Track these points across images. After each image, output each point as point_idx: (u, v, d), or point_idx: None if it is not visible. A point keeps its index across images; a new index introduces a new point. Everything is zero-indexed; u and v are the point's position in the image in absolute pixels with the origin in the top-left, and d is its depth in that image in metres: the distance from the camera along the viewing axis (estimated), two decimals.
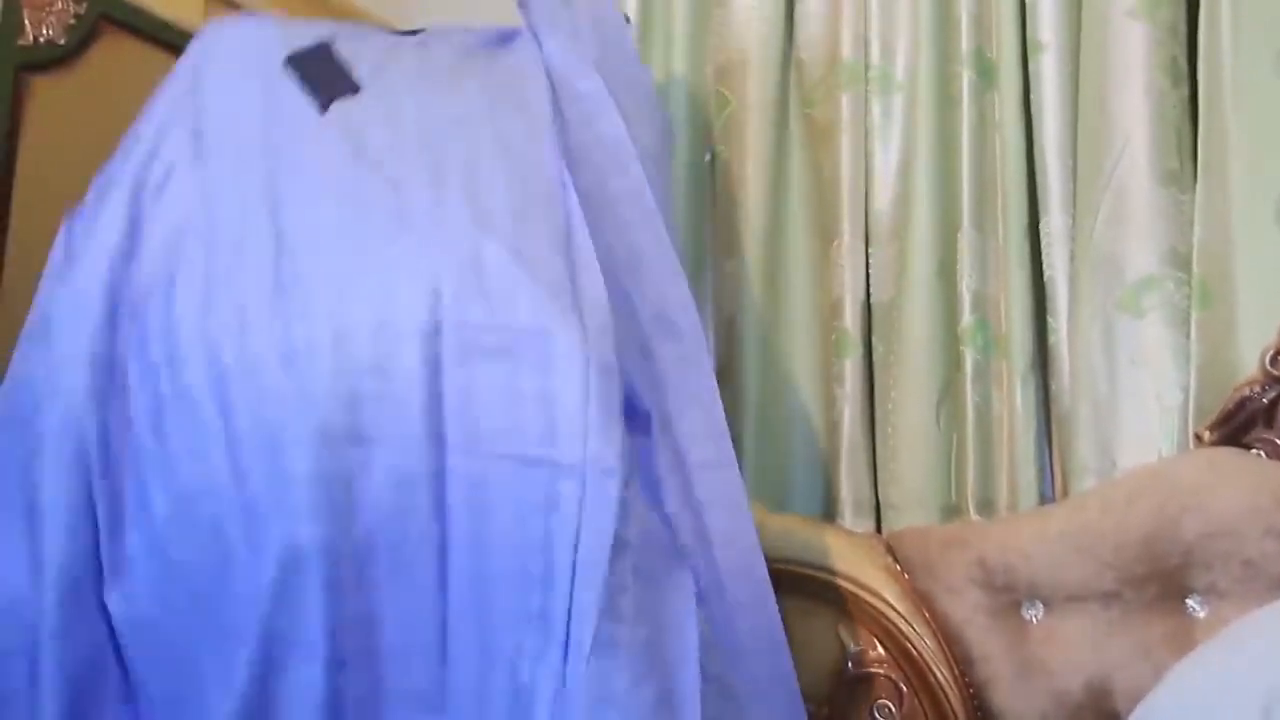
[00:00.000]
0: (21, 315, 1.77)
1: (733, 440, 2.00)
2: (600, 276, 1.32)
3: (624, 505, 1.23)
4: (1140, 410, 1.78)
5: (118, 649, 1.31)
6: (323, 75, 1.43)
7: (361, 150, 1.37)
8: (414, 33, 1.54)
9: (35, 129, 1.82)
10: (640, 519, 1.25)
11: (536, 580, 1.23)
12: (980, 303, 1.96)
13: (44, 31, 1.83)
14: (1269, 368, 1.68)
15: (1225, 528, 1.61)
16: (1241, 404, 1.67)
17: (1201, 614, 1.64)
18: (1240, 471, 1.63)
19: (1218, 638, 1.47)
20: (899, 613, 1.76)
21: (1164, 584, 1.66)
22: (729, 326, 2.09)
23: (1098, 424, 1.80)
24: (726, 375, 2.07)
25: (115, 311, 1.36)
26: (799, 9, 2.16)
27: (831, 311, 2.05)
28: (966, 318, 1.96)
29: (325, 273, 1.30)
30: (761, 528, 1.86)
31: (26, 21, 1.82)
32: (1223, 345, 1.74)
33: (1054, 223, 1.90)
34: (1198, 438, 1.71)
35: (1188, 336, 1.77)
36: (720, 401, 1.45)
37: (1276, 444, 1.67)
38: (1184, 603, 1.66)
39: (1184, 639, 1.63)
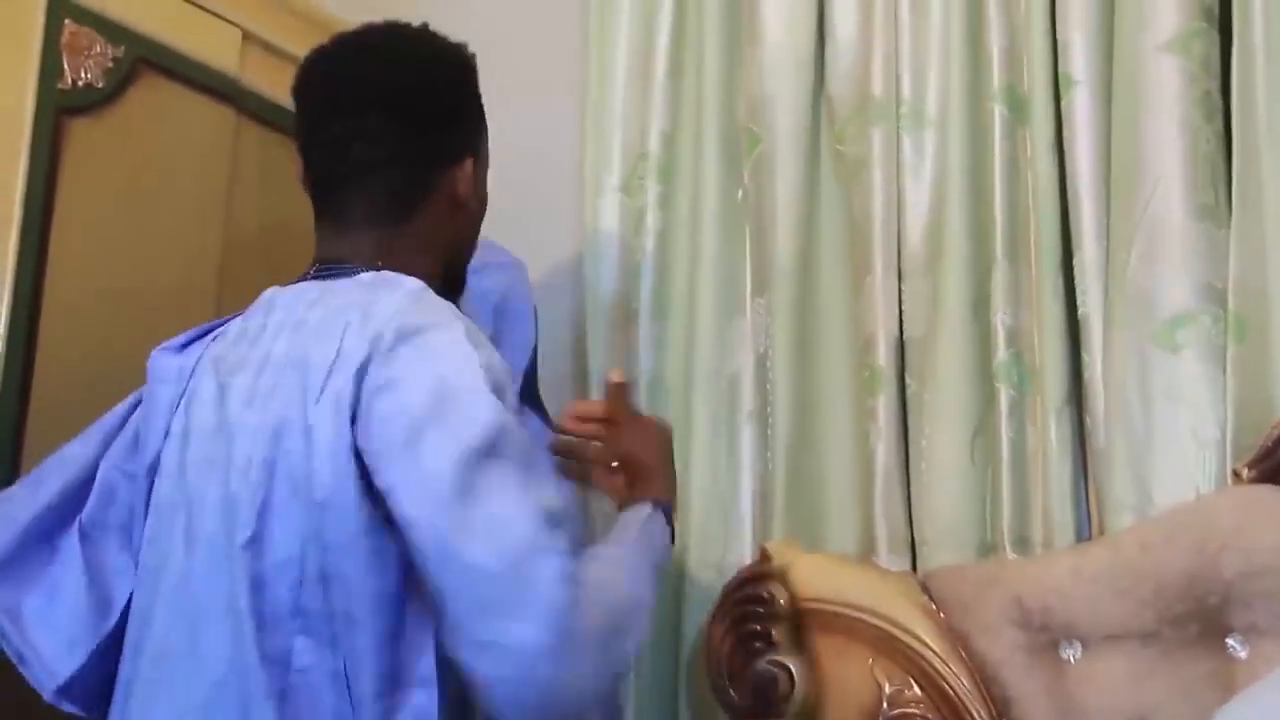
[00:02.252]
0: (61, 353, 1.79)
1: (765, 477, 2.03)
2: None
3: None
4: (1177, 447, 1.76)
5: None
6: None
7: None
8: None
9: (74, 171, 1.84)
10: None
11: None
12: (1014, 338, 1.95)
13: (83, 75, 1.86)
14: None
15: (1265, 566, 1.60)
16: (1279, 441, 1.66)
17: (1243, 654, 1.62)
18: (1279, 510, 1.62)
19: (1265, 680, 1.45)
20: (935, 652, 1.75)
21: (1204, 623, 1.64)
22: (762, 363, 2.08)
23: (1134, 460, 1.79)
24: (760, 414, 2.07)
25: None
26: (829, 46, 2.16)
27: (864, 347, 2.05)
28: (1000, 353, 1.95)
29: None
30: (795, 565, 1.86)
31: (66, 66, 1.84)
32: (1260, 381, 1.73)
33: (1087, 257, 1.89)
34: (1235, 475, 1.70)
35: (1224, 372, 1.75)
36: None
37: None
38: (1224, 642, 1.64)
39: (1225, 679, 1.61)
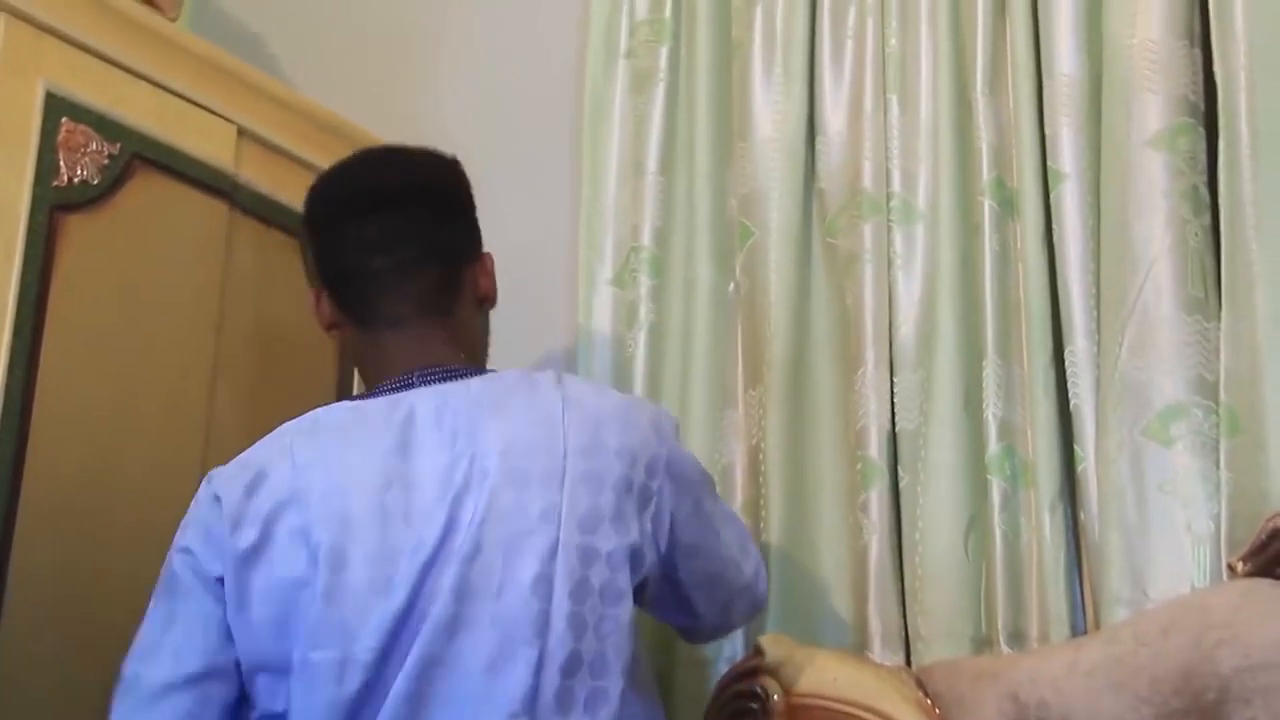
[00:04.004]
0: (53, 450, 1.79)
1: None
2: None
3: None
4: (1171, 540, 1.76)
5: None
6: None
7: None
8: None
9: (68, 267, 1.85)
10: None
11: None
12: (1006, 431, 1.95)
13: (78, 172, 1.87)
14: None
15: (1263, 661, 1.58)
16: (1274, 535, 1.65)
17: None
18: (1276, 604, 1.61)
19: None
20: None
21: (1202, 718, 1.62)
22: (754, 456, 2.08)
23: (1128, 554, 1.78)
24: (752, 506, 2.06)
25: None
26: (819, 140, 2.19)
27: (856, 440, 2.05)
28: (993, 446, 1.95)
29: None
30: (789, 660, 1.85)
31: (61, 163, 1.85)
32: (1253, 474, 1.73)
33: (1079, 351, 1.89)
34: (1230, 568, 1.69)
35: (1217, 465, 1.75)
36: None
37: None
38: None
39: None
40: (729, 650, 2.02)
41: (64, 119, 1.86)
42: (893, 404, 2.04)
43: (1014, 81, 2.04)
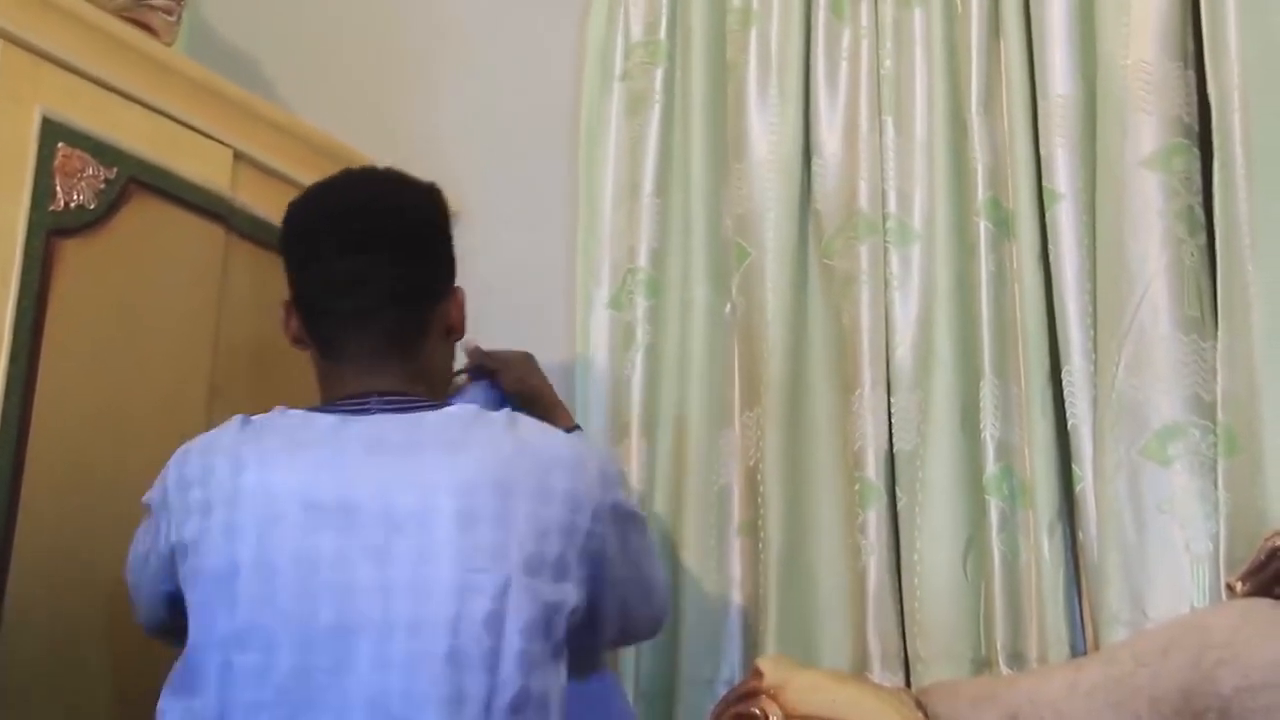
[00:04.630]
0: (49, 474, 1.78)
1: (757, 592, 2.02)
2: None
3: None
4: (1170, 560, 1.76)
5: None
6: None
7: None
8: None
9: (64, 291, 1.84)
10: None
11: None
12: (1004, 451, 1.96)
13: (75, 197, 1.86)
14: None
15: (1263, 681, 1.58)
16: (1272, 554, 1.65)
17: None
18: (1275, 623, 1.61)
19: None
20: None
21: None
22: (752, 477, 2.08)
23: (1127, 574, 1.79)
24: (750, 527, 2.06)
25: None
26: (815, 161, 2.19)
27: (854, 461, 2.05)
28: (991, 467, 1.95)
29: None
30: (788, 681, 1.85)
31: (58, 187, 1.85)
32: (1251, 494, 1.73)
33: (1076, 370, 1.90)
34: (1229, 588, 1.69)
35: (1215, 485, 1.76)
36: None
37: None
38: None
39: None
40: (728, 671, 2.02)
41: (60, 144, 1.86)
42: (890, 424, 2.05)
43: (1009, 102, 2.05)
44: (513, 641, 1.43)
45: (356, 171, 1.72)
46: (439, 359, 1.70)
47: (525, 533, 1.47)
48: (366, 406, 1.56)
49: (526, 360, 1.95)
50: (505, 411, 1.59)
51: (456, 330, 1.70)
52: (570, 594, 1.50)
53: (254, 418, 1.58)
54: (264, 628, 1.43)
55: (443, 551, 1.44)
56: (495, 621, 1.43)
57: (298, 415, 1.57)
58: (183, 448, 1.58)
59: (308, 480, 1.48)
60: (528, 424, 1.59)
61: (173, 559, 1.52)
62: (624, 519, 1.60)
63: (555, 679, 1.48)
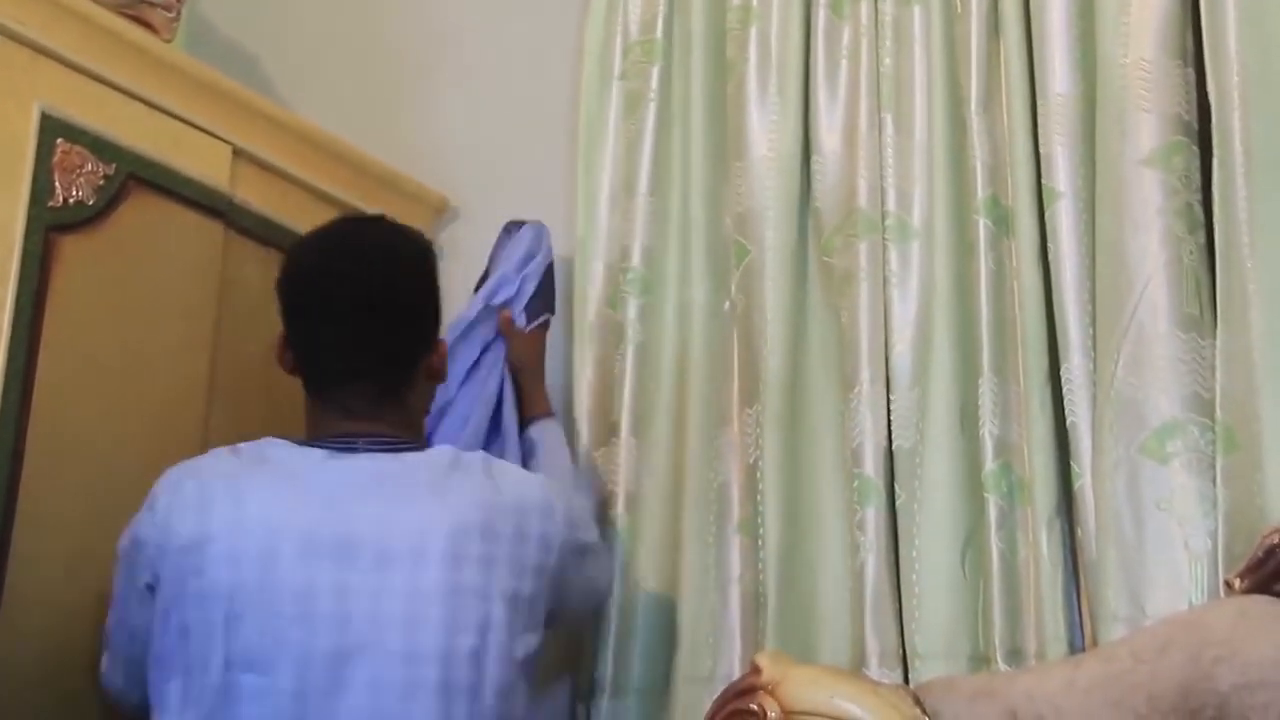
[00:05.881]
0: (48, 471, 1.78)
1: (755, 589, 2.02)
2: None
3: None
4: (1168, 557, 1.76)
5: None
6: None
7: None
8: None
9: (63, 287, 1.84)
10: None
11: None
12: (1003, 449, 1.95)
13: (74, 193, 1.86)
14: None
15: (1261, 679, 1.58)
16: (1270, 551, 1.65)
17: None
18: (1273, 620, 1.61)
19: None
20: None
21: None
22: (750, 475, 2.08)
23: (1126, 571, 1.79)
24: (749, 524, 2.06)
25: None
26: (815, 159, 2.19)
27: (853, 459, 2.05)
28: (989, 464, 1.95)
29: None
30: (786, 678, 1.84)
31: (57, 184, 1.85)
32: (1249, 491, 1.73)
33: (1074, 368, 1.90)
34: (1228, 585, 1.69)
35: (1213, 483, 1.76)
36: None
37: None
38: None
39: None
40: (725, 667, 2.02)
41: (59, 140, 1.86)
42: (889, 422, 2.05)
43: (1008, 100, 2.05)
44: (492, 673, 1.61)
45: (353, 227, 1.88)
46: (422, 402, 1.86)
47: (505, 574, 1.65)
48: (354, 445, 1.69)
49: (534, 344, 2.16)
50: (480, 455, 1.77)
51: (438, 377, 1.86)
52: (539, 622, 1.71)
53: (241, 446, 1.70)
54: (265, 651, 1.55)
55: (433, 589, 1.60)
56: (478, 655, 1.60)
57: (287, 447, 1.70)
58: (171, 476, 1.68)
59: (307, 514, 1.61)
60: (501, 468, 1.77)
61: (160, 581, 1.62)
62: (583, 551, 1.82)
63: (522, 697, 1.67)
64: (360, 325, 1.73)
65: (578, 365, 2.28)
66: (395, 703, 1.55)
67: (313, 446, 1.70)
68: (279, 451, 1.69)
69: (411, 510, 1.64)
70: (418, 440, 1.80)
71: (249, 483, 1.63)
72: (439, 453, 1.74)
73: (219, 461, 1.68)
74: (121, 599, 1.69)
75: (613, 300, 2.29)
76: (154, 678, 1.61)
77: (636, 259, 2.29)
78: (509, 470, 1.79)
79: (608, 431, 2.23)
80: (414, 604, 1.59)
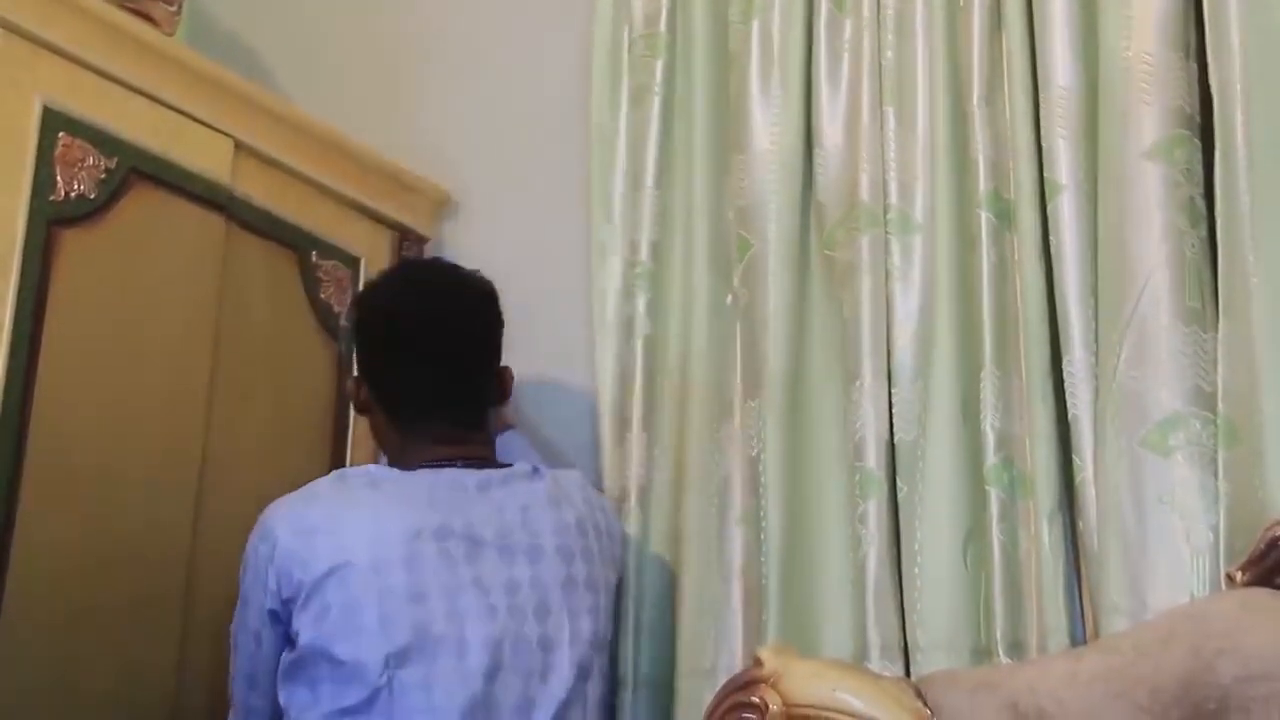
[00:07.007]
0: (50, 464, 1.78)
1: (757, 582, 2.02)
2: None
3: None
4: (1170, 550, 1.76)
5: None
6: None
7: None
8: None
9: (65, 281, 1.85)
10: None
11: None
12: (1005, 442, 1.95)
13: (75, 186, 1.87)
14: None
15: (1262, 671, 1.58)
16: (1272, 544, 1.65)
17: None
18: (1275, 613, 1.61)
19: None
20: None
21: None
22: (752, 468, 2.08)
23: (1127, 564, 1.79)
24: (751, 517, 2.06)
25: None
26: (817, 152, 2.19)
27: (855, 452, 2.05)
28: (991, 458, 1.95)
29: None
30: (789, 671, 1.85)
31: (58, 177, 1.85)
32: (1251, 485, 1.73)
33: (1076, 362, 1.90)
34: (1229, 578, 1.69)
35: (1215, 476, 1.76)
36: None
37: None
38: None
39: None
40: (727, 660, 2.02)
41: (61, 133, 1.86)
42: (891, 415, 2.04)
43: (1010, 93, 2.04)
44: (600, 659, 1.90)
45: (428, 273, 2.13)
46: (492, 423, 2.04)
47: (600, 566, 1.91)
48: (452, 464, 1.87)
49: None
50: (542, 466, 1.97)
51: (505, 399, 2.05)
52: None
53: (346, 472, 1.90)
54: (421, 647, 1.71)
55: (552, 581, 1.83)
56: (597, 641, 1.88)
57: (390, 470, 1.88)
58: (275, 510, 1.79)
59: (435, 519, 1.78)
60: (563, 475, 1.99)
61: (291, 602, 1.73)
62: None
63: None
64: (454, 360, 1.94)
65: (599, 360, 2.29)
66: (539, 686, 1.77)
67: (410, 470, 1.86)
68: (385, 473, 1.86)
69: (519, 513, 1.85)
70: (495, 458, 1.98)
71: (368, 498, 1.79)
72: (520, 466, 1.93)
73: (332, 487, 1.83)
74: (248, 648, 1.80)
75: (622, 294, 2.29)
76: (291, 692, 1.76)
77: (644, 253, 2.29)
78: (569, 476, 2.01)
79: (622, 426, 2.24)
80: (541, 594, 1.81)
